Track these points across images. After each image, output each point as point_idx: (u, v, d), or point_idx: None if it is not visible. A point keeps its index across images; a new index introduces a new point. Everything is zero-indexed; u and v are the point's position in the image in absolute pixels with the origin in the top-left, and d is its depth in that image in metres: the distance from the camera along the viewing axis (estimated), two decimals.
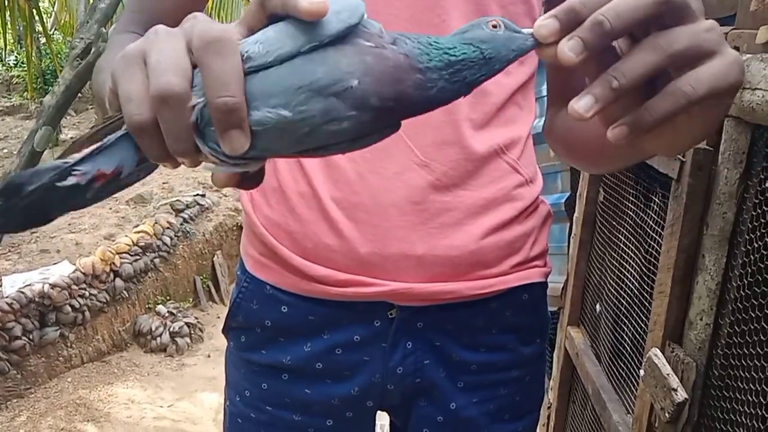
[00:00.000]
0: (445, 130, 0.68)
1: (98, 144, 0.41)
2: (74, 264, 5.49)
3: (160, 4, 0.71)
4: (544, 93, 2.01)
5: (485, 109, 0.70)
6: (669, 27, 0.37)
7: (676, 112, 0.37)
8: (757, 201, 0.87)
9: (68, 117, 9.17)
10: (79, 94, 9.56)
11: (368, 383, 0.76)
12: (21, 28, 4.96)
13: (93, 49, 3.41)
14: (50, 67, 9.19)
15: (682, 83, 0.36)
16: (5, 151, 8.39)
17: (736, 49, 0.88)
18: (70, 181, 0.40)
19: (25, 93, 9.61)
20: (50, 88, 4.39)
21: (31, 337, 4.98)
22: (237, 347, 0.82)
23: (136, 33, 0.71)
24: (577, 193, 1.65)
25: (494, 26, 0.41)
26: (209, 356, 5.89)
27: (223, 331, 0.85)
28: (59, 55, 8.14)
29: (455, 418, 0.78)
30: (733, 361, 0.92)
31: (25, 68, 9.44)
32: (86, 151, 0.42)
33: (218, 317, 6.57)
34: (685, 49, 0.36)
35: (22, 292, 4.91)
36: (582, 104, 0.37)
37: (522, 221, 0.75)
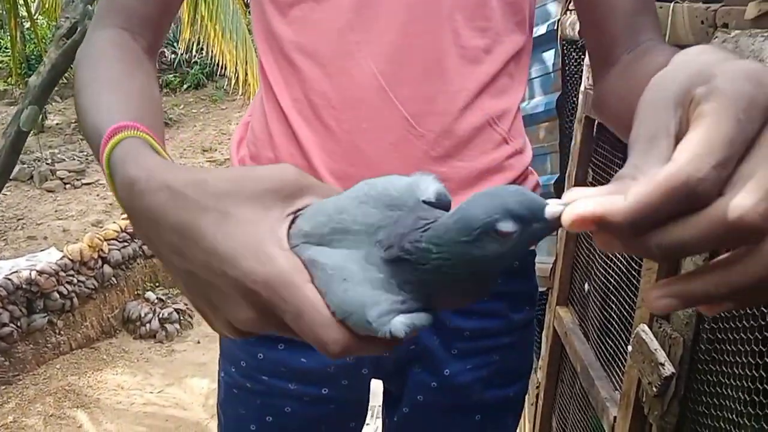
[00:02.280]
0: (440, 100, 0.68)
1: None
2: (62, 251, 5.46)
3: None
4: (533, 75, 2.02)
5: (479, 78, 0.70)
6: None
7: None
8: None
9: (54, 103, 9.06)
10: (65, 79, 9.46)
11: None
12: (4, 12, 4.88)
13: (79, 28, 3.37)
14: (35, 52, 9.07)
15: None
16: None
17: (725, 26, 0.89)
18: None
19: (9, 78, 9.49)
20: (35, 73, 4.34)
21: (18, 323, 4.95)
22: None
23: (119, 29, 0.68)
24: (566, 174, 1.66)
25: (504, 234, 0.34)
26: (199, 342, 5.89)
27: None
28: (44, 40, 8.03)
29: (449, 384, 0.79)
30: (720, 335, 0.93)
31: (9, 53, 9.31)
32: None
33: None
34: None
35: (9, 279, 4.88)
36: (661, 304, 0.32)
37: None
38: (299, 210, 0.41)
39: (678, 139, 0.31)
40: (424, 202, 0.39)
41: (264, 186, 0.41)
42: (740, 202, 0.28)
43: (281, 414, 0.81)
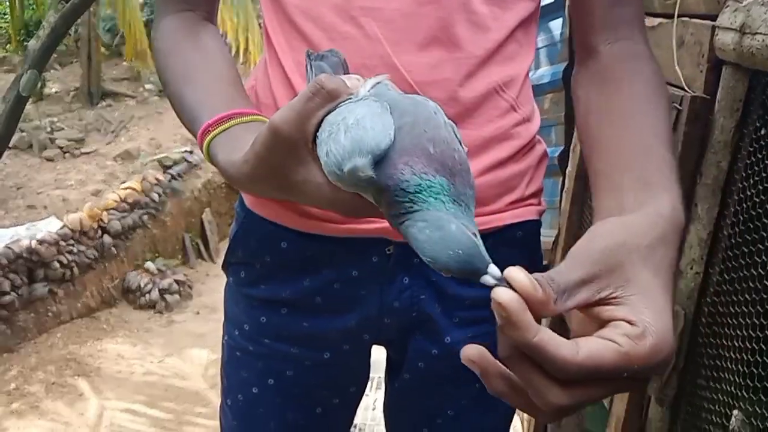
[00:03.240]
0: (446, 67, 0.68)
1: None
2: (61, 220, 5.46)
3: None
4: (539, 44, 1.99)
5: (486, 45, 0.69)
6: None
7: None
8: (751, 149, 0.87)
9: (53, 71, 8.99)
10: (65, 46, 9.36)
11: (365, 317, 0.77)
12: None
13: None
14: (33, 18, 8.97)
15: None
16: None
17: None
18: None
19: (9, 45, 9.40)
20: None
21: (19, 292, 4.98)
22: (236, 282, 0.82)
23: (182, 12, 0.73)
24: (571, 147, 1.64)
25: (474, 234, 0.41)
26: (198, 313, 5.93)
27: (223, 267, 0.85)
28: (43, 6, 7.93)
29: (450, 352, 0.79)
30: (721, 309, 0.93)
31: (8, 19, 9.21)
32: None
33: (207, 275, 6.59)
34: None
35: (10, 248, 4.89)
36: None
37: (518, 160, 0.75)
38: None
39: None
40: None
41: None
42: None
43: (283, 377, 0.81)
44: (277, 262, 0.77)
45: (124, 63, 9.14)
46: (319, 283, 0.76)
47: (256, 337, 0.81)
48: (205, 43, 0.72)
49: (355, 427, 2.58)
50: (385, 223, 0.72)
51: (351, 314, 0.77)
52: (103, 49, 8.90)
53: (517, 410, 0.87)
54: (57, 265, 5.21)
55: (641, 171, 0.55)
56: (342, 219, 0.72)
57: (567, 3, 1.82)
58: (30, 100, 5.13)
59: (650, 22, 1.19)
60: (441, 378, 0.82)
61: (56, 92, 8.64)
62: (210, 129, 0.59)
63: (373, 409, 2.65)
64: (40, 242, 5.06)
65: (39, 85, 6.94)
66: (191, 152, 7.06)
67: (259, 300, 0.80)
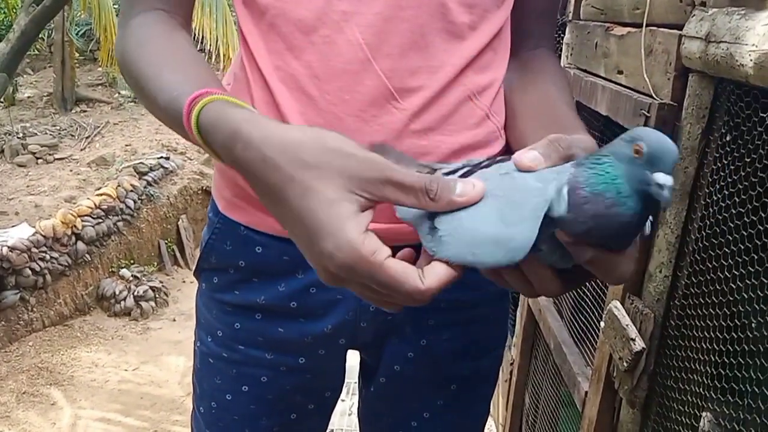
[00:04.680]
0: (423, 74, 0.68)
1: None
2: (34, 226, 5.37)
3: None
4: None
5: (464, 54, 0.69)
6: None
7: None
8: (717, 155, 0.89)
9: (25, 76, 8.85)
10: (38, 51, 9.21)
11: (341, 321, 0.77)
12: None
13: None
14: (5, 22, 8.83)
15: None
16: None
17: (703, 4, 0.89)
18: None
19: None
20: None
21: None
22: (209, 288, 0.81)
23: (155, 10, 0.72)
24: None
25: (637, 151, 0.45)
26: (174, 320, 5.86)
27: (195, 273, 0.84)
28: (14, 10, 7.82)
29: (425, 354, 0.79)
30: (689, 311, 0.95)
31: None
32: None
33: (183, 281, 6.53)
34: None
35: None
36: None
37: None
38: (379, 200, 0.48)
39: None
40: None
41: (352, 168, 0.48)
42: None
43: (257, 383, 0.81)
44: (251, 267, 0.77)
45: (99, 68, 9.05)
46: (295, 288, 0.76)
47: (230, 343, 0.80)
48: (181, 41, 0.71)
49: None
50: None
51: (327, 319, 0.77)
52: (77, 54, 8.79)
53: (491, 413, 0.88)
54: (29, 272, 5.12)
55: (558, 123, 0.65)
56: None
57: None
58: (1, 104, 5.04)
59: (619, 30, 1.21)
60: (417, 381, 0.82)
61: (29, 97, 8.51)
62: (202, 96, 0.57)
63: (349, 414, 2.64)
64: (12, 249, 4.97)
65: (11, 89, 6.83)
66: (167, 158, 7.00)
67: (233, 306, 0.79)
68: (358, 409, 0.92)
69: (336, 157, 0.49)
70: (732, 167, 0.85)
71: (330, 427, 0.95)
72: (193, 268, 0.85)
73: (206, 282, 0.82)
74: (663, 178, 0.44)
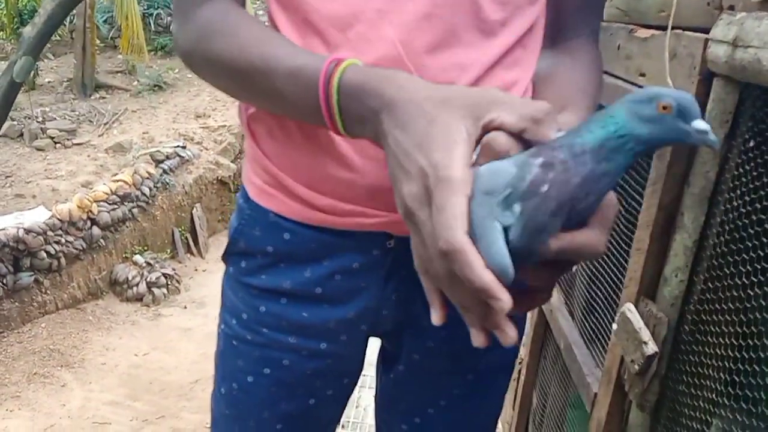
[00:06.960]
0: (453, 71, 0.69)
1: None
2: (50, 210, 5.42)
3: None
4: None
5: (494, 51, 0.70)
6: None
7: None
8: (739, 161, 0.88)
9: (46, 60, 8.93)
10: (59, 36, 9.28)
11: (364, 308, 0.79)
12: None
13: None
14: (28, 7, 8.91)
15: None
16: None
17: (731, 8, 0.89)
18: None
19: (2, 33, 9.33)
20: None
21: (4, 281, 4.94)
22: (237, 272, 0.83)
23: None
24: None
25: (664, 107, 0.46)
26: (186, 308, 5.90)
27: (223, 257, 0.86)
28: None
29: (445, 344, 0.81)
30: (704, 317, 0.94)
31: (2, 6, 9.14)
32: None
33: (195, 270, 6.57)
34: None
35: None
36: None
37: None
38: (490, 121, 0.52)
39: None
40: None
41: (467, 100, 0.54)
42: None
43: (279, 366, 0.82)
44: (279, 252, 0.78)
45: (119, 56, 9.10)
46: (320, 274, 0.77)
47: (255, 326, 0.81)
48: (263, 24, 0.71)
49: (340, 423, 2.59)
50: (387, 217, 0.74)
51: (350, 305, 0.78)
52: (98, 41, 8.85)
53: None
54: (44, 254, 5.17)
55: (560, 104, 0.66)
56: (345, 212, 0.74)
57: None
58: (22, 89, 5.09)
59: (643, 33, 1.20)
60: (436, 370, 0.83)
61: (49, 82, 8.58)
62: (338, 60, 0.60)
63: (356, 406, 2.66)
64: (27, 231, 5.03)
65: (32, 74, 6.89)
66: (183, 147, 7.04)
67: (259, 289, 0.80)
68: (376, 394, 0.94)
69: (458, 96, 0.54)
70: (754, 173, 0.84)
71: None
72: (209, 257, 0.87)
73: (234, 266, 0.83)
74: (703, 125, 0.46)
